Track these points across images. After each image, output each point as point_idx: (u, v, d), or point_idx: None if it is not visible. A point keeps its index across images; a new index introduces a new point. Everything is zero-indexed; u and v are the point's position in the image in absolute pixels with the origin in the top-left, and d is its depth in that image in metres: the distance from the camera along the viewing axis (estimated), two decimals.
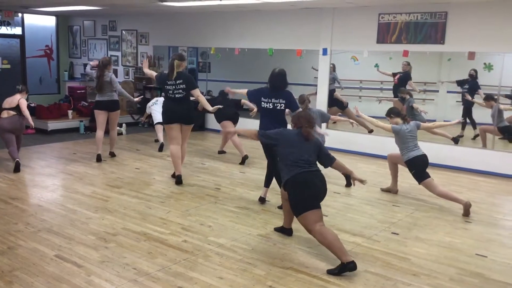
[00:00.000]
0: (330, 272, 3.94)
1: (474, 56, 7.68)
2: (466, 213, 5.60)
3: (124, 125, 10.56)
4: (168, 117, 6.43)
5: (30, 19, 13.21)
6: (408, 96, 9.41)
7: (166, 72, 6.42)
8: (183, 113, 6.41)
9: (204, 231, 4.83)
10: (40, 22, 13.51)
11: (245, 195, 6.15)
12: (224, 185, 6.55)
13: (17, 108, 7.15)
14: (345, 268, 3.88)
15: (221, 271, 3.92)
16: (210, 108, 6.42)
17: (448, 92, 11.27)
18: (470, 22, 7.66)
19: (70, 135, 9.97)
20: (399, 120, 6.13)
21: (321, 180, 4.25)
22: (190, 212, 5.39)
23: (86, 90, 12.27)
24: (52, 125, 10.15)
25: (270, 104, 5.43)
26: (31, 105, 10.94)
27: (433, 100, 10.78)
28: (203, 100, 6.48)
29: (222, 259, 4.16)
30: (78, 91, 12.04)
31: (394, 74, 9.98)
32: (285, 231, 4.80)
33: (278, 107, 5.43)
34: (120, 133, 10.24)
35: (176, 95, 6.30)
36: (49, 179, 6.68)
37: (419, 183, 5.97)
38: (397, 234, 4.94)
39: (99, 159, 7.72)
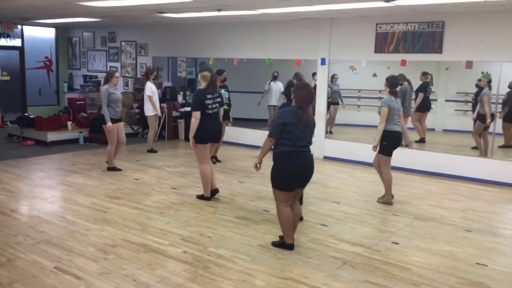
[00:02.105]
0: (274, 243, 4.72)
1: (471, 65, 7.71)
2: (382, 201, 6.34)
3: None
4: (205, 138, 6.15)
5: (30, 31, 13.30)
6: (405, 83, 9.31)
7: (198, 90, 6.23)
8: (217, 132, 6.36)
9: (203, 241, 4.82)
10: (39, 34, 13.60)
11: (244, 205, 6.14)
12: (223, 196, 6.55)
13: None
14: (284, 246, 4.63)
15: (221, 282, 3.91)
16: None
17: (446, 100, 11.33)
18: (467, 32, 7.71)
19: (70, 146, 9.97)
20: (388, 91, 6.15)
21: (308, 162, 4.54)
22: (189, 223, 5.38)
23: (86, 101, 12.29)
24: (52, 136, 10.15)
25: None
26: (30, 116, 10.99)
27: (432, 109, 10.82)
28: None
29: (221, 270, 4.15)
30: (77, 102, 12.07)
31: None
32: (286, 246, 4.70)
33: None
34: None
35: (214, 110, 6.14)
36: (48, 191, 6.68)
37: (379, 153, 6.27)
38: (397, 243, 4.93)
39: (110, 169, 7.87)
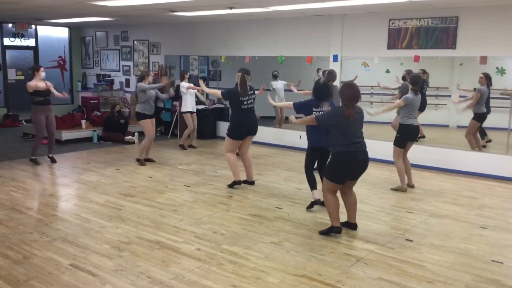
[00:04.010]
0: (321, 232, 4.98)
1: (486, 60, 7.62)
2: (395, 189, 6.73)
3: (136, 134, 10.64)
4: (241, 133, 6.66)
5: (44, 31, 13.44)
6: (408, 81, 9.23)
7: (234, 87, 6.57)
8: (253, 127, 6.74)
9: (217, 239, 4.84)
10: (53, 34, 13.74)
11: (257, 202, 6.14)
12: (236, 193, 6.56)
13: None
14: (332, 230, 4.92)
15: (234, 279, 3.92)
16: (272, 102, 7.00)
17: (460, 96, 11.18)
18: (482, 27, 7.62)
19: (84, 145, 10.06)
20: (410, 88, 6.60)
21: (364, 159, 4.81)
22: (202, 220, 5.40)
23: (99, 100, 12.39)
24: (66, 135, 10.25)
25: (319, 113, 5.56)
26: None
27: (445, 105, 10.71)
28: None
29: (235, 267, 4.16)
30: (91, 101, 12.16)
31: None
32: (350, 225, 5.15)
33: None
34: (132, 142, 10.32)
35: (249, 106, 6.62)
36: (63, 189, 6.74)
37: (393, 144, 6.69)
38: (412, 241, 4.90)
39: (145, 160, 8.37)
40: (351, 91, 4.74)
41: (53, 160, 8.28)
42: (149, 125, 8.16)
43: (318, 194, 5.84)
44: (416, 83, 6.54)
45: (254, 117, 6.73)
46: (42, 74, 7.90)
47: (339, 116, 4.74)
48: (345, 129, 4.72)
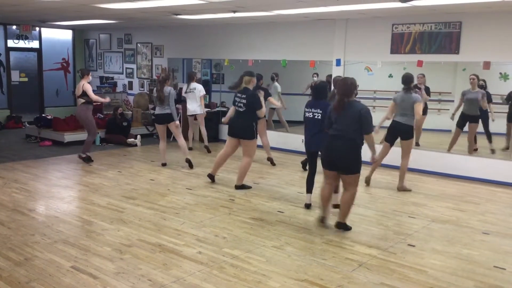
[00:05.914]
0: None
1: (489, 65, 7.61)
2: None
3: (138, 136, 10.65)
4: (229, 131, 6.98)
5: (47, 33, 13.49)
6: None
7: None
8: (239, 130, 6.80)
9: (218, 242, 4.83)
10: (57, 36, 13.78)
11: (259, 206, 6.14)
12: (238, 196, 6.55)
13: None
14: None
15: (236, 283, 3.91)
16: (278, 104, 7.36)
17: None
18: (485, 32, 7.61)
19: None
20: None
21: (337, 147, 4.95)
22: (204, 224, 5.40)
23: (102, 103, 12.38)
24: (69, 137, 10.26)
25: (311, 114, 5.84)
26: (47, 117, 11.11)
27: (448, 110, 10.69)
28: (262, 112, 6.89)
29: (236, 271, 4.15)
30: (94, 103, 12.13)
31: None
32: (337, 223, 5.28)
33: (316, 117, 5.76)
34: (134, 145, 10.32)
35: (239, 108, 6.76)
36: (65, 191, 6.75)
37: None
38: (414, 246, 4.88)
39: (164, 165, 8.45)
40: (341, 84, 5.05)
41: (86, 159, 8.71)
42: (161, 129, 8.42)
43: (310, 199, 6.06)
44: (404, 82, 6.77)
45: (241, 121, 6.72)
46: (90, 77, 8.70)
47: (330, 108, 5.18)
48: (334, 118, 5.05)
